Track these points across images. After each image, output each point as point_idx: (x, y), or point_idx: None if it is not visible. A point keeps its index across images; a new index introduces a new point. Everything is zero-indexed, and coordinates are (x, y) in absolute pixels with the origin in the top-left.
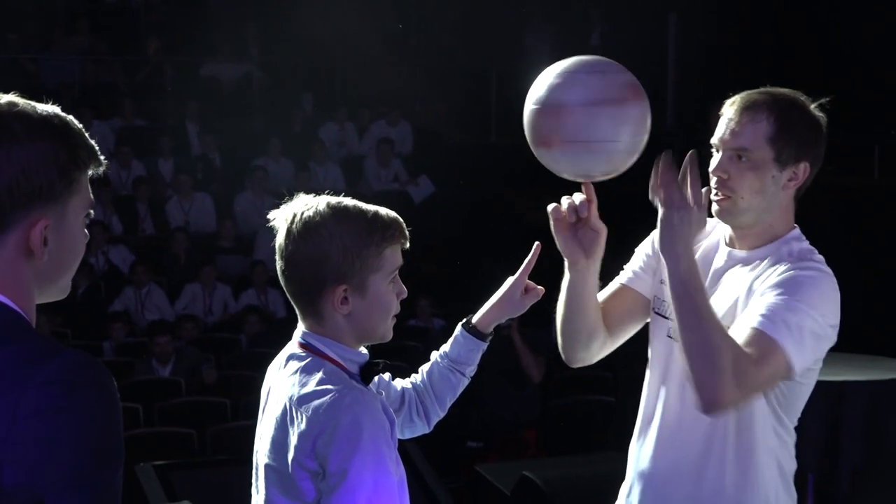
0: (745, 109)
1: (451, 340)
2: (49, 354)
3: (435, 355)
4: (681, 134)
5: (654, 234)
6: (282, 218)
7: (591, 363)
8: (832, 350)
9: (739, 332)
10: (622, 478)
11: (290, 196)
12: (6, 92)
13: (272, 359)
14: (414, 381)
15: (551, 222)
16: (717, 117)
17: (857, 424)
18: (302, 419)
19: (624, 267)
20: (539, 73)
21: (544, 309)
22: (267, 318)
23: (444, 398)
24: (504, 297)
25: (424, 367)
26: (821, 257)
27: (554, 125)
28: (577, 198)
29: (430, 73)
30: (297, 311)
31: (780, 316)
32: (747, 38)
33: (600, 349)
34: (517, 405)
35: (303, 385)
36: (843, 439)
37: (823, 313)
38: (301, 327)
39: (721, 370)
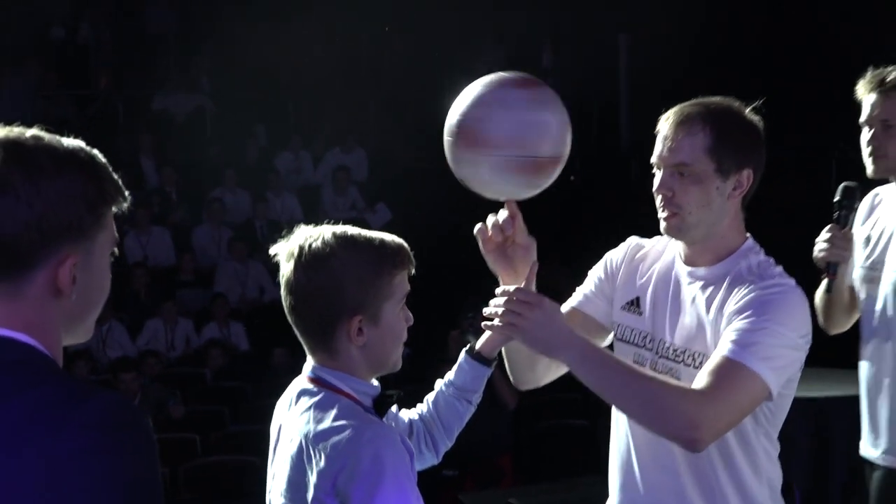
0: (680, 124)
1: (455, 368)
2: (84, 396)
3: (440, 384)
4: (636, 152)
5: (608, 256)
6: (287, 251)
7: (539, 385)
8: (818, 365)
9: (711, 363)
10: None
11: (247, 228)
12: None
13: (238, 392)
14: (421, 412)
15: (479, 243)
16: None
17: (844, 439)
18: (320, 457)
19: (576, 289)
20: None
21: None
22: (230, 350)
23: (452, 427)
24: None
25: (430, 397)
26: (779, 269)
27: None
28: (502, 216)
29: (382, 100)
30: (306, 346)
31: (749, 340)
32: (697, 55)
33: (546, 371)
34: (491, 432)
35: (318, 421)
36: (830, 454)
37: (793, 327)
38: (310, 362)
39: (677, 413)
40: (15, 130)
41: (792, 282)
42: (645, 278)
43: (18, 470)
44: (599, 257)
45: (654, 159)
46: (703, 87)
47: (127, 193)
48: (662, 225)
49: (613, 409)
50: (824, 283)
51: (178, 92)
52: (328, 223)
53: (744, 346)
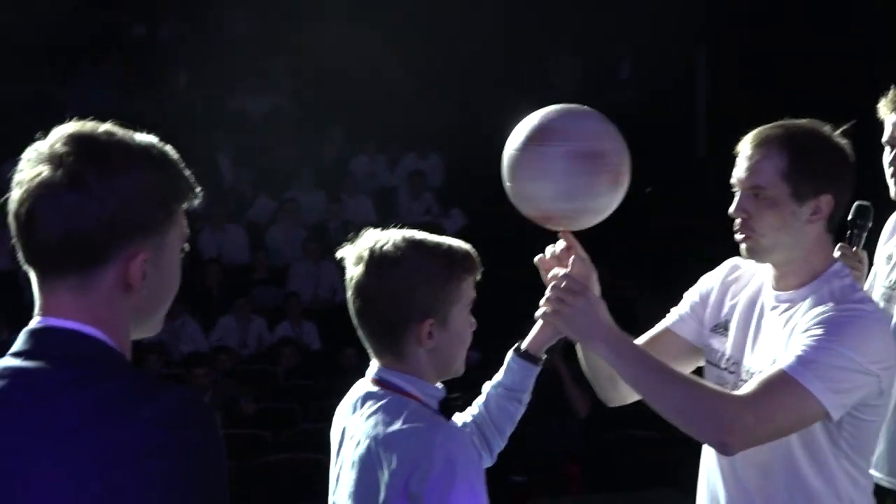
0: (759, 146)
1: (503, 369)
2: (154, 392)
3: (488, 386)
4: (712, 166)
5: (704, 277)
6: (355, 254)
7: (626, 403)
8: None
9: (766, 373)
10: None
11: (321, 229)
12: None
13: (309, 391)
14: (472, 414)
15: (540, 272)
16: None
17: None
18: (392, 459)
19: (671, 309)
20: (568, 105)
21: None
22: (302, 349)
23: (504, 428)
24: None
25: (480, 399)
26: (862, 294)
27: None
28: (559, 246)
29: (459, 106)
30: (372, 349)
31: (809, 357)
32: (776, 69)
33: (631, 391)
34: (561, 439)
35: (388, 424)
36: None
37: (862, 352)
38: (375, 364)
39: (711, 415)
40: (89, 125)
41: (872, 308)
42: (735, 300)
43: (83, 464)
44: (673, 273)
45: (732, 180)
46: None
47: (198, 190)
48: (741, 247)
49: None
50: None
51: (256, 91)
52: (400, 227)
53: (802, 363)
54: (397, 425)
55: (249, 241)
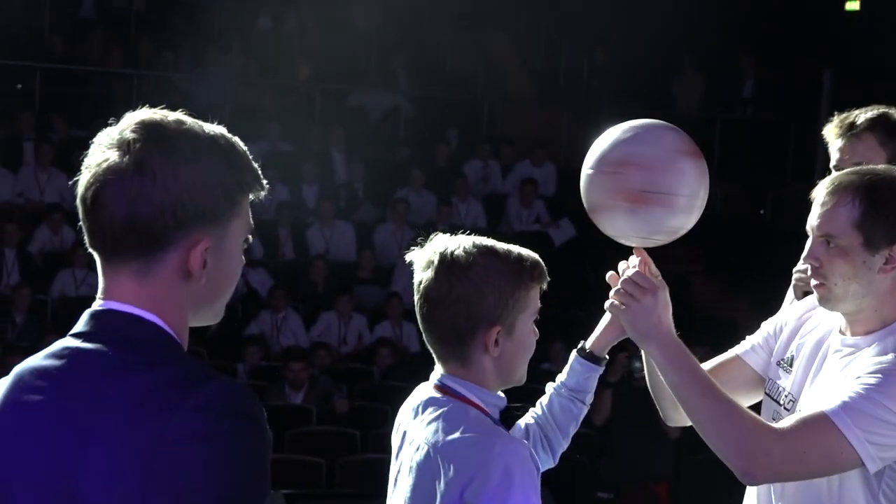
0: (832, 193)
1: (566, 369)
2: (201, 380)
3: (550, 387)
4: None
5: (782, 310)
6: (425, 258)
7: (688, 425)
8: None
9: (807, 411)
10: None
11: (429, 230)
12: (158, 108)
13: (404, 393)
14: (536, 415)
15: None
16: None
17: None
18: (449, 467)
19: (747, 337)
20: (688, 120)
21: None
22: (400, 351)
23: (568, 429)
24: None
25: (543, 400)
26: None
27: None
28: (632, 262)
29: (577, 115)
30: (437, 354)
31: (852, 404)
32: None
33: None
34: (650, 457)
35: (447, 432)
36: None
37: None
38: (439, 370)
39: (740, 439)
40: (159, 113)
41: None
42: (804, 339)
43: (128, 446)
44: (778, 296)
45: (807, 226)
46: None
47: (265, 182)
48: (814, 294)
49: None
50: None
51: (376, 89)
52: (508, 235)
53: (845, 408)
54: (457, 434)
55: (357, 239)
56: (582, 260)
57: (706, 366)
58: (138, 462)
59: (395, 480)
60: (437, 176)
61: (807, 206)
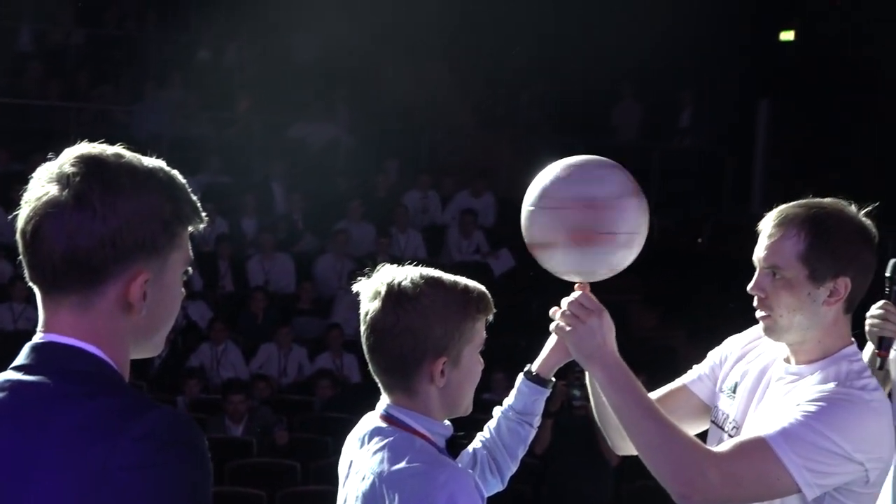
0: (779, 225)
1: (513, 392)
2: (142, 409)
3: (498, 410)
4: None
5: (728, 340)
6: (372, 288)
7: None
8: None
9: (746, 435)
10: None
11: (370, 261)
12: (97, 142)
13: (345, 424)
14: (483, 439)
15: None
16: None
17: None
18: (394, 497)
19: (693, 366)
20: (627, 149)
21: None
22: (340, 382)
23: (516, 451)
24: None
25: (491, 424)
26: (868, 381)
27: (588, 219)
28: (573, 297)
29: (516, 145)
30: (383, 384)
31: (791, 430)
32: (838, 127)
33: None
34: (591, 485)
35: (393, 462)
36: None
37: (849, 439)
38: (385, 400)
39: (678, 463)
40: (98, 147)
41: (872, 396)
42: (749, 366)
43: (71, 476)
44: (723, 329)
45: (754, 257)
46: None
47: (204, 215)
48: (760, 325)
49: None
50: (876, 359)
51: (316, 121)
52: (448, 265)
53: (784, 435)
54: (402, 464)
55: (297, 270)
56: (522, 289)
57: (654, 395)
58: (81, 492)
59: None
60: (376, 207)
61: (744, 235)
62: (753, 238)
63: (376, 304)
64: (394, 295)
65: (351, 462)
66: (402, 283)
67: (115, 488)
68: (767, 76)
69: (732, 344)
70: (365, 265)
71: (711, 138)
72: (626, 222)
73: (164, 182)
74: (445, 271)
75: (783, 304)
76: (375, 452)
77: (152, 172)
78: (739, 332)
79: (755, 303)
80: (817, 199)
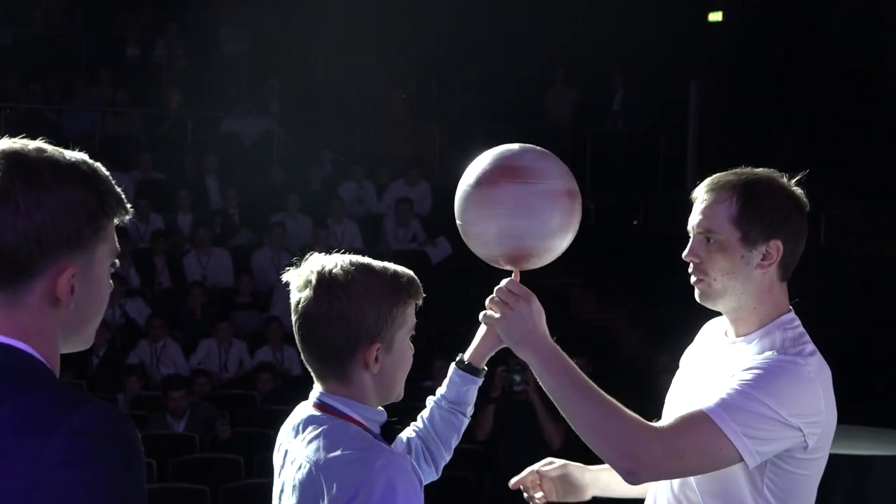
0: (711, 191)
1: (446, 382)
2: (74, 404)
3: (431, 400)
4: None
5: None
6: (302, 277)
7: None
8: (860, 424)
9: (686, 410)
10: None
11: (306, 253)
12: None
13: (287, 416)
14: (417, 429)
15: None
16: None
17: (884, 500)
18: (332, 485)
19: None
20: (560, 133)
21: None
22: (281, 375)
23: (450, 441)
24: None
25: (424, 413)
26: (805, 347)
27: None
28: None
29: (450, 133)
30: (316, 373)
31: (729, 400)
32: (767, 107)
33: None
34: (527, 460)
35: (328, 450)
36: None
37: (783, 404)
38: (318, 388)
39: (621, 440)
40: (19, 142)
41: (808, 361)
42: (696, 347)
43: (2, 473)
44: (663, 309)
45: (688, 225)
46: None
47: (129, 206)
48: (695, 292)
49: None
50: None
51: (248, 115)
52: (386, 254)
53: (722, 405)
54: (338, 451)
55: (234, 265)
56: (460, 277)
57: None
58: (14, 489)
59: (279, 500)
60: (312, 199)
61: (679, 214)
62: (688, 217)
63: (307, 292)
64: (325, 283)
65: (286, 451)
66: (333, 271)
67: (50, 483)
68: (697, 57)
69: (688, 350)
70: (300, 256)
71: (644, 121)
72: (554, 179)
73: (88, 175)
74: (383, 260)
75: (717, 267)
76: (311, 441)
77: (75, 165)
78: (677, 312)
79: (690, 269)
80: (749, 168)
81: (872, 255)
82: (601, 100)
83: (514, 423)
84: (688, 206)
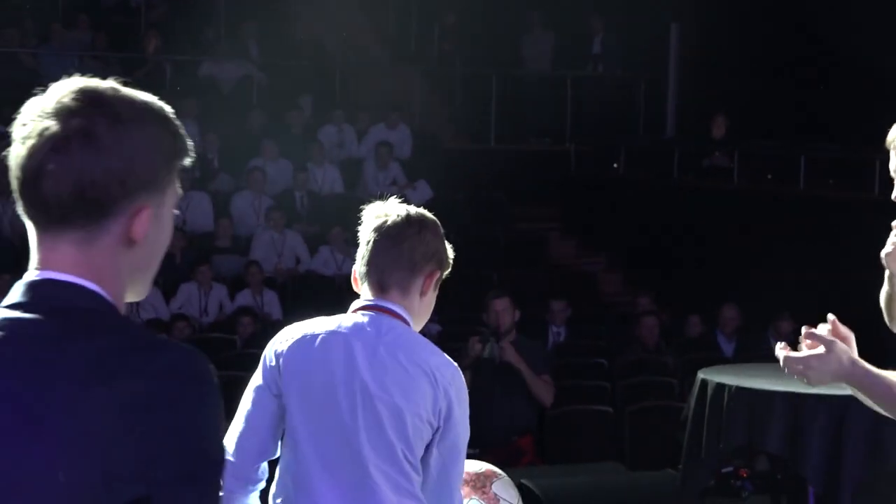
0: None
1: None
2: (156, 346)
3: None
4: (681, 141)
5: None
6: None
7: None
8: None
9: None
10: (621, 487)
11: (286, 197)
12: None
13: None
14: None
15: None
16: (721, 125)
17: (860, 438)
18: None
19: None
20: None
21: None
22: (262, 318)
23: None
24: None
25: None
26: None
27: None
28: (778, 347)
29: (429, 78)
30: (396, 286)
31: None
32: (748, 48)
33: None
34: (512, 412)
35: (433, 352)
36: (845, 453)
37: None
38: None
39: None
40: (93, 81)
41: None
42: None
43: (85, 416)
44: (642, 252)
45: (891, 172)
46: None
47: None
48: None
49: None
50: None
51: (227, 59)
52: (365, 198)
53: None
54: (438, 353)
55: (214, 209)
56: (439, 219)
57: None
58: (98, 432)
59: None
60: (292, 143)
61: (658, 160)
62: (668, 162)
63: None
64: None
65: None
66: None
67: (135, 427)
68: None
69: None
70: (282, 201)
71: (624, 64)
72: None
73: (161, 115)
74: (365, 204)
75: None
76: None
77: (149, 104)
78: (657, 256)
79: None
80: None
81: None
82: (580, 43)
83: (491, 381)
84: (666, 152)
